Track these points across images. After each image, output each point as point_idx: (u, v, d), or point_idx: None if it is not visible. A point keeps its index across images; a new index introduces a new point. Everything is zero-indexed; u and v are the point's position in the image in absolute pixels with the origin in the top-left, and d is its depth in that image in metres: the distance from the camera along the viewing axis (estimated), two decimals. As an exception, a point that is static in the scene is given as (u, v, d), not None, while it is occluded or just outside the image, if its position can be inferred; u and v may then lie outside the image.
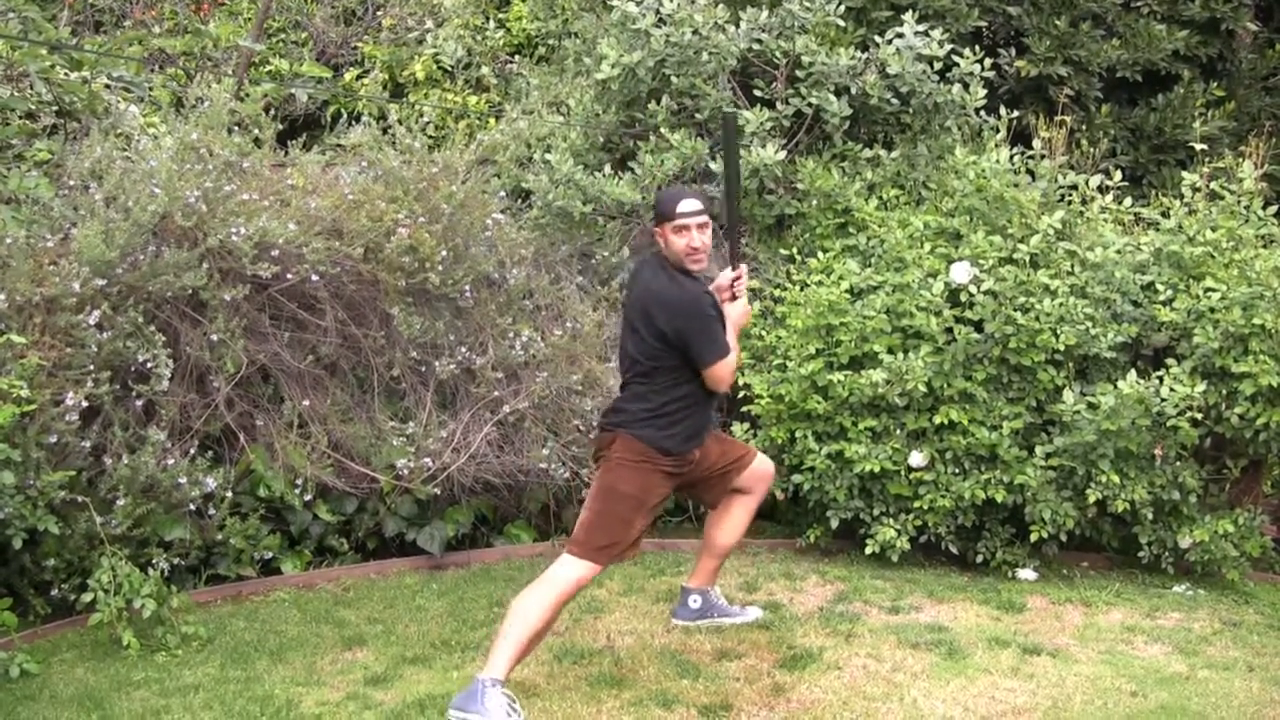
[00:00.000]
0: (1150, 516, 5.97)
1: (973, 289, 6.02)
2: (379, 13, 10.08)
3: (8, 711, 4.30)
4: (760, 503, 5.14)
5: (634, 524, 4.53)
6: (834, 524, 6.20)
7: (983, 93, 6.93)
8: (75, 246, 5.44)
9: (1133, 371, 5.84)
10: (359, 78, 9.50)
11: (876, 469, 5.97)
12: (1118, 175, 6.60)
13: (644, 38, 6.84)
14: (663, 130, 6.81)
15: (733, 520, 5.04)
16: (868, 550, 6.10)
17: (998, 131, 6.84)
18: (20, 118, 6.45)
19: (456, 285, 6.27)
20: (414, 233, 6.11)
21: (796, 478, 6.22)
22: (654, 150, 6.87)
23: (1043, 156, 6.60)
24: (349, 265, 6.06)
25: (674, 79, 6.85)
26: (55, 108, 6.49)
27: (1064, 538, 6.07)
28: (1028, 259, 6.10)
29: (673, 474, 4.64)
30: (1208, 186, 6.50)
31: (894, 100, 6.82)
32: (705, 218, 4.55)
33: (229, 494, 5.64)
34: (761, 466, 5.07)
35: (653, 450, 4.55)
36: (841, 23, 7.01)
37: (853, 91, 6.78)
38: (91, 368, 5.30)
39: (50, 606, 5.24)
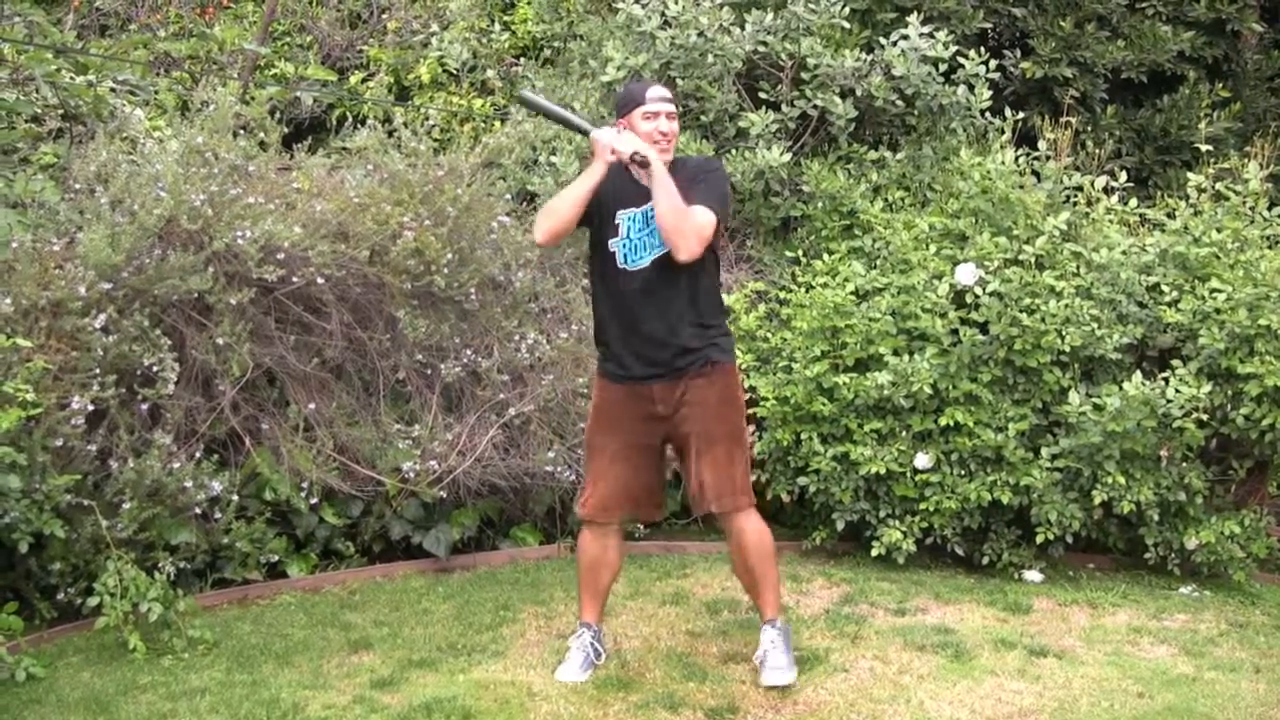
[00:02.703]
0: (1156, 518, 5.96)
1: (978, 290, 6.02)
2: (384, 16, 10.09)
3: (14, 716, 4.31)
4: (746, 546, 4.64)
5: (603, 470, 4.58)
6: (840, 526, 6.19)
7: (988, 94, 6.94)
8: (81, 250, 5.44)
9: (1138, 373, 5.84)
10: (364, 81, 9.50)
11: (882, 471, 5.97)
12: (1123, 176, 6.59)
13: (649, 40, 6.85)
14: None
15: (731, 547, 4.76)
16: (874, 552, 6.10)
17: (1003, 133, 6.84)
18: (26, 121, 6.46)
19: (462, 288, 6.27)
20: (419, 235, 6.11)
21: (802, 480, 6.22)
22: (659, 152, 6.87)
23: (1048, 158, 6.60)
24: (354, 268, 6.06)
25: (679, 81, 6.86)
26: (61, 111, 6.50)
27: (1070, 539, 6.07)
28: (1033, 260, 6.09)
29: (635, 406, 4.52)
30: (1213, 187, 6.50)
31: (899, 102, 6.82)
32: (673, 108, 4.50)
33: (235, 497, 5.64)
34: (735, 536, 4.64)
35: (597, 374, 4.69)
36: (846, 25, 7.02)
37: (858, 93, 6.78)
38: (97, 371, 5.30)
39: (56, 610, 5.25)
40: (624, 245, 4.47)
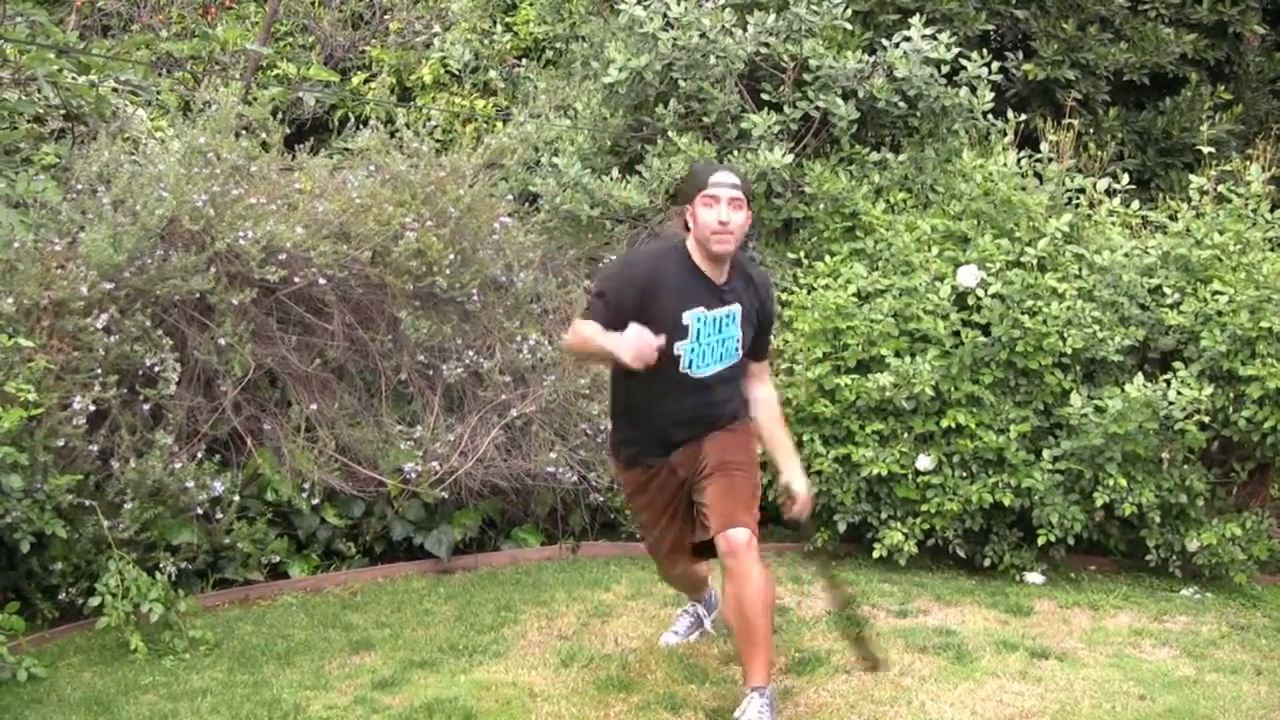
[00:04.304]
0: (1158, 520, 5.96)
1: (980, 292, 6.02)
2: (386, 17, 10.09)
3: (15, 715, 4.31)
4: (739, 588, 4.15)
5: (660, 538, 4.50)
6: (842, 527, 6.19)
7: (990, 96, 6.94)
8: (83, 250, 5.45)
9: (1140, 375, 5.84)
10: (366, 81, 9.51)
11: (884, 472, 5.97)
12: (1125, 178, 6.59)
13: (651, 41, 6.84)
14: (670, 134, 6.81)
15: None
16: (875, 554, 6.10)
17: (1005, 135, 6.84)
18: (28, 121, 6.46)
19: (464, 289, 6.27)
20: (421, 236, 6.12)
21: (804, 481, 6.22)
22: (661, 154, 6.88)
23: (1050, 160, 6.60)
24: (356, 269, 6.06)
25: (681, 82, 6.86)
26: (63, 111, 6.50)
27: (1071, 541, 6.07)
28: (1035, 262, 6.09)
29: (662, 481, 4.35)
30: (1215, 190, 6.50)
31: (901, 104, 6.82)
32: (740, 195, 4.09)
33: (236, 498, 5.64)
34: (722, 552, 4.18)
35: (620, 463, 4.53)
36: (849, 26, 7.02)
37: (860, 95, 6.78)
38: (99, 371, 5.30)
39: (58, 610, 5.25)
40: (692, 350, 4.13)
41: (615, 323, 3.95)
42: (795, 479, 4.33)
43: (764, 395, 4.46)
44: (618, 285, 4.14)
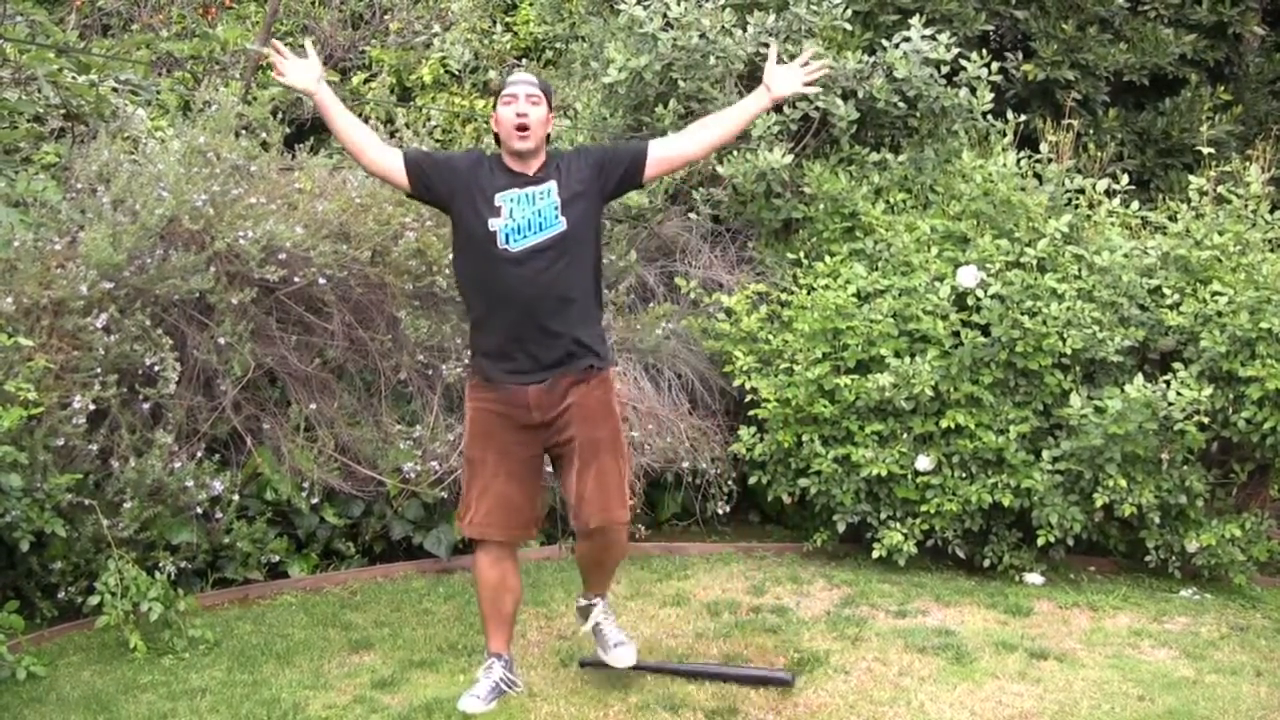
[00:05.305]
0: (1157, 520, 5.96)
1: (980, 293, 6.02)
2: (386, 17, 10.10)
3: (15, 714, 4.31)
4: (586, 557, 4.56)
5: (484, 487, 4.33)
6: (841, 528, 6.19)
7: (990, 96, 6.93)
8: (83, 249, 5.44)
9: (1140, 375, 5.84)
10: (366, 81, 9.51)
11: (883, 473, 5.97)
12: (1125, 179, 6.59)
13: (651, 41, 6.84)
14: (670, 134, 6.81)
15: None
16: (875, 554, 6.10)
17: (1005, 135, 6.84)
18: (28, 121, 6.46)
19: (463, 288, 6.27)
20: (421, 236, 6.12)
21: (803, 481, 6.22)
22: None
23: (1050, 160, 6.60)
24: (356, 269, 6.06)
25: (681, 83, 6.85)
26: (63, 111, 6.50)
27: (1071, 542, 6.07)
28: (1035, 263, 6.09)
29: (506, 415, 4.29)
30: (1215, 190, 6.50)
31: (901, 104, 6.82)
32: (538, 93, 4.29)
33: (236, 497, 5.64)
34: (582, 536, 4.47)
35: (469, 380, 4.46)
36: (848, 26, 7.02)
37: (860, 95, 6.78)
38: (99, 371, 5.30)
39: (57, 609, 5.25)
40: (505, 226, 4.20)
41: (424, 162, 4.36)
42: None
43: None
44: (442, 153, 4.46)
